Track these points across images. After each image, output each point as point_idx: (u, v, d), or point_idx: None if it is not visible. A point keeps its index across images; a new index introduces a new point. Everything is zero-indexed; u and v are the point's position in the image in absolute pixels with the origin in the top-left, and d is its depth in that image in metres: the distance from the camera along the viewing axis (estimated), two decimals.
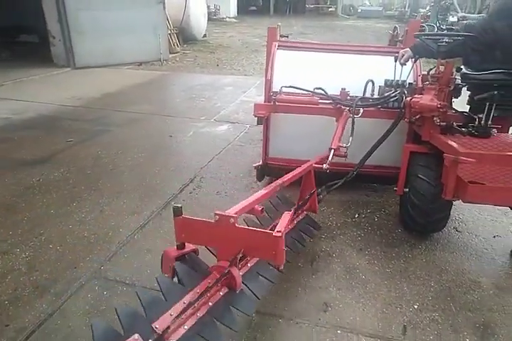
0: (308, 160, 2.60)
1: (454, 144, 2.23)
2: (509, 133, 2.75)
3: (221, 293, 1.65)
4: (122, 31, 8.04)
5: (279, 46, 3.27)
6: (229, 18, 23.04)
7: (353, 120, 2.64)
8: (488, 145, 2.36)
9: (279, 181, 2.21)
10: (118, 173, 3.66)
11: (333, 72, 3.13)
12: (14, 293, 2.18)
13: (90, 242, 2.65)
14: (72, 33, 7.77)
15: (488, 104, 2.45)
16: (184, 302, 1.50)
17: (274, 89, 3.03)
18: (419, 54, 2.62)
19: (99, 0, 7.73)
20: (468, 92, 2.69)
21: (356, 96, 2.79)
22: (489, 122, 2.47)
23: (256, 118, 3.00)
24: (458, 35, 2.33)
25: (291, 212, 2.04)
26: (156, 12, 8.51)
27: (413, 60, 2.73)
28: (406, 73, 2.81)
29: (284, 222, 1.77)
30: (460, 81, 2.65)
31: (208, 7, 21.66)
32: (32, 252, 2.53)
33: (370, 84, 2.78)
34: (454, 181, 2.21)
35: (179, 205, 1.74)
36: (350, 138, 2.61)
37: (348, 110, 2.68)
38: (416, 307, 2.21)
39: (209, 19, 19.86)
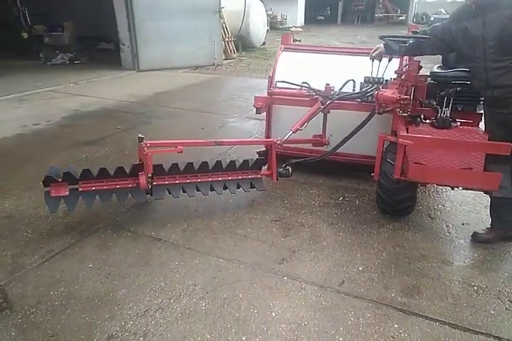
0: None
1: (402, 131, 2.56)
2: (479, 127, 2.97)
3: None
4: (181, 38, 9.03)
5: (284, 48, 3.77)
6: (295, 27, 23.67)
7: (324, 110, 3.11)
8: (442, 134, 2.65)
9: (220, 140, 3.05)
10: None
11: (326, 69, 3.56)
12: None
13: None
14: (139, 41, 8.90)
15: (446, 98, 2.74)
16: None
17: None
18: (388, 52, 2.94)
19: (161, 12, 8.77)
20: None
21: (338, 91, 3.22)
22: (448, 115, 2.75)
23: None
24: (416, 37, 2.67)
25: None
26: (212, 21, 9.38)
27: (388, 58, 3.05)
28: (390, 70, 3.15)
29: None
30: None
31: (275, 17, 22.65)
32: None
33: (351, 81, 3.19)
34: (400, 162, 2.55)
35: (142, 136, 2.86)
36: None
37: (321, 102, 3.10)
38: (360, 269, 2.56)
39: (275, 28, 20.74)
